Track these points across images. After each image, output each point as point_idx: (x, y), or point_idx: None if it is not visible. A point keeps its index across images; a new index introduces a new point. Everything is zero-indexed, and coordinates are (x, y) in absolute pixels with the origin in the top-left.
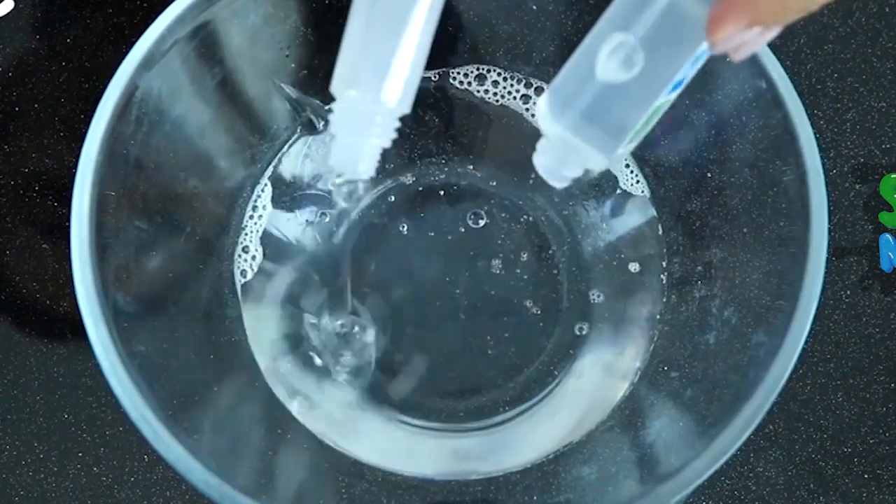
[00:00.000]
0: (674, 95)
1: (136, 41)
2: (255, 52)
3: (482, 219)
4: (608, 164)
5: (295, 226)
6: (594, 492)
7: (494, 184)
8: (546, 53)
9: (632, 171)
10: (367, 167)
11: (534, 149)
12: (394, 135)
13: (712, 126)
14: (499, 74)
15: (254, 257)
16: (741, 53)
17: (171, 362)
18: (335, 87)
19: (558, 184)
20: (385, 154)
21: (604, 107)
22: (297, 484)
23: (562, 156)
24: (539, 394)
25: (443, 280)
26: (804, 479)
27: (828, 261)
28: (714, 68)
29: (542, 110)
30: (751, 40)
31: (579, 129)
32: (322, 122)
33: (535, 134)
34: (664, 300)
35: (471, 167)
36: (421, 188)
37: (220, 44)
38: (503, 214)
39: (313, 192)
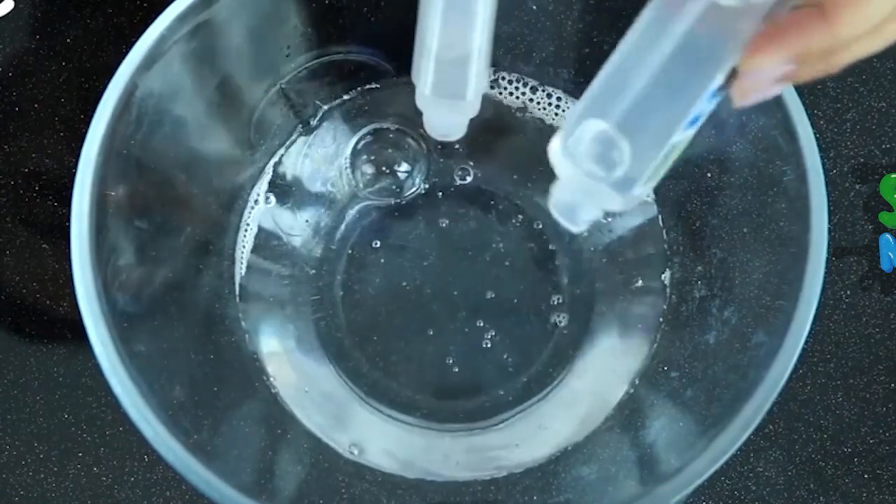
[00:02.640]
0: (691, 132)
1: (136, 41)
2: (255, 52)
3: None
4: (626, 205)
5: (295, 225)
6: (594, 492)
7: (494, 183)
8: (546, 53)
9: None
10: None
11: (533, 149)
12: None
13: (712, 126)
14: (498, 73)
15: (253, 256)
16: (749, 97)
17: (171, 362)
18: None
19: (576, 228)
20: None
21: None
22: (297, 484)
23: (578, 198)
24: (539, 394)
25: (442, 280)
26: (804, 479)
27: (828, 261)
28: None
29: (556, 151)
30: (766, 85)
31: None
32: (320, 122)
33: (535, 134)
34: (664, 300)
35: (470, 166)
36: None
37: (220, 44)
38: (503, 214)
39: (313, 191)
